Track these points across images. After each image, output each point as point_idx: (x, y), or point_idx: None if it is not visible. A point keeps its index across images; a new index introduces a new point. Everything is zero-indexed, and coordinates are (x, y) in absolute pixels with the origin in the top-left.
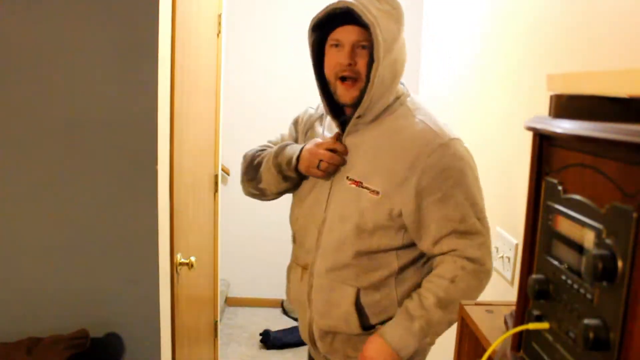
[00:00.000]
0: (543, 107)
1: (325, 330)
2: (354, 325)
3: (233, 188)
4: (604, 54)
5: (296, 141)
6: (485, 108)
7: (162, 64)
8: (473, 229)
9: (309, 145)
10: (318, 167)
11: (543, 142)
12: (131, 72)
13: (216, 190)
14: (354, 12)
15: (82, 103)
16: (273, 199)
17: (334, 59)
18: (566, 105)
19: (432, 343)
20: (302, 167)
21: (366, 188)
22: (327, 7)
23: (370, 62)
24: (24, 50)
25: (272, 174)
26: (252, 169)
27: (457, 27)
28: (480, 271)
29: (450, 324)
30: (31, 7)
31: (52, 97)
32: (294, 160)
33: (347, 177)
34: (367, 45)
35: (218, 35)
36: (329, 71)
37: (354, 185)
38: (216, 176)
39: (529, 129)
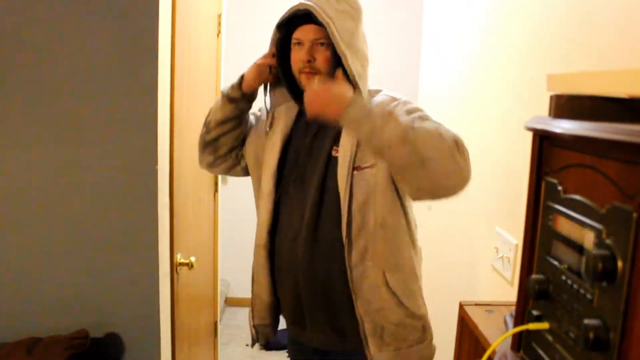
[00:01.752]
0: (543, 107)
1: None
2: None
3: (233, 188)
4: (604, 54)
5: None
6: (486, 108)
7: (162, 64)
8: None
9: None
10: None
11: (543, 142)
12: (131, 72)
13: (216, 190)
14: (312, 14)
15: (82, 103)
16: (225, 150)
17: (297, 56)
18: (566, 105)
19: (376, 148)
20: (246, 81)
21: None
22: (290, 8)
23: (333, 58)
24: (24, 51)
25: (217, 103)
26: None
27: (456, 27)
28: (449, 136)
29: (399, 146)
30: (31, 8)
31: (52, 97)
32: (237, 80)
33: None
34: (326, 42)
35: (218, 35)
36: (293, 66)
37: (356, 172)
38: (216, 176)
39: (529, 129)
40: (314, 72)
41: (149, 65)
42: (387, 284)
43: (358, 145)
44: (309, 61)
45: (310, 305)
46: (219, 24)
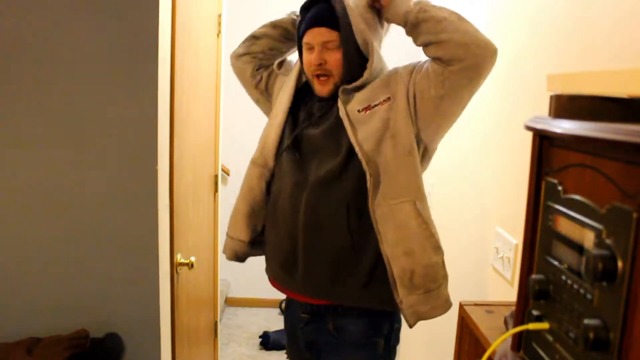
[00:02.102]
0: (543, 107)
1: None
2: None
3: (233, 188)
4: (604, 54)
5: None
6: (485, 108)
7: (162, 64)
8: None
9: None
10: None
11: (543, 142)
12: (131, 72)
13: (216, 190)
14: (321, 17)
15: (82, 103)
16: (257, 49)
17: (308, 59)
18: (566, 105)
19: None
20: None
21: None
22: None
23: (345, 59)
24: (24, 52)
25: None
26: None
27: None
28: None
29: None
30: (32, 9)
31: (52, 97)
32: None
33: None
34: (336, 45)
35: (218, 35)
36: (306, 70)
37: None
38: (216, 176)
39: (529, 129)
40: (326, 75)
41: (149, 65)
42: (419, 214)
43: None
44: (320, 64)
45: (309, 248)
46: (219, 24)
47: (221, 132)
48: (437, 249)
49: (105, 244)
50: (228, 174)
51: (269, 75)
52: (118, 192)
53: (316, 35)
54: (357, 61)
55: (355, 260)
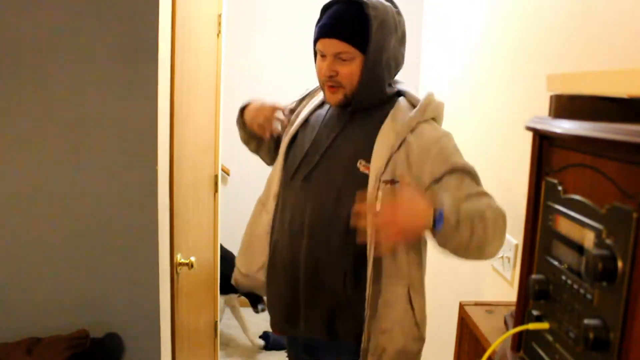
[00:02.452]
0: (543, 107)
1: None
2: None
3: (233, 188)
4: (604, 54)
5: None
6: (485, 108)
7: (162, 64)
8: None
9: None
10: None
11: (543, 142)
12: (131, 72)
13: (216, 190)
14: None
15: (82, 103)
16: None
17: (320, 67)
18: (566, 105)
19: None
20: (247, 120)
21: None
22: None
23: (363, 69)
24: (24, 52)
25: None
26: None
27: (456, 27)
28: None
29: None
30: (31, 8)
31: (52, 97)
32: (238, 111)
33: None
34: (349, 57)
35: (218, 35)
36: (318, 76)
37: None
38: (216, 176)
39: (529, 129)
40: (337, 85)
41: (149, 65)
42: (410, 301)
43: (389, 160)
44: (331, 76)
45: (309, 305)
46: (219, 24)
47: (221, 132)
48: (418, 339)
49: (105, 244)
50: (228, 174)
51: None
52: (118, 192)
53: (329, 46)
54: (377, 84)
55: (351, 309)
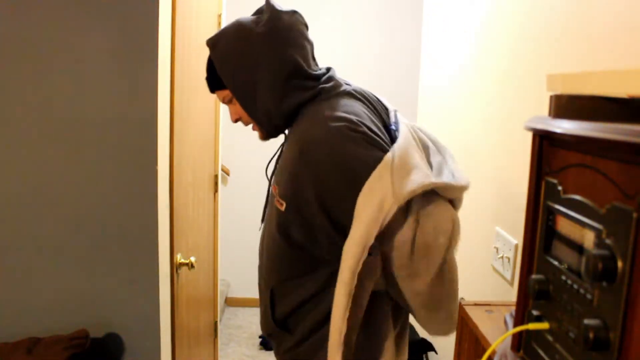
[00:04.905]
0: (543, 107)
1: None
2: None
3: (233, 188)
4: (604, 54)
5: None
6: (485, 108)
7: (162, 64)
8: None
9: None
10: None
11: (543, 142)
12: (131, 73)
13: (216, 190)
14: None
15: (82, 103)
16: None
17: None
18: (566, 105)
19: None
20: None
21: None
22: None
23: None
24: (24, 52)
25: None
26: None
27: (456, 27)
28: None
29: None
30: (32, 9)
31: (52, 97)
32: None
33: None
34: (227, 100)
35: None
36: None
37: None
38: (216, 176)
39: (529, 129)
40: (248, 124)
41: (149, 65)
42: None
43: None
44: (236, 121)
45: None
46: (219, 24)
47: (221, 132)
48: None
49: (105, 244)
50: (228, 174)
51: None
52: (118, 192)
53: (218, 97)
54: (263, 107)
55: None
